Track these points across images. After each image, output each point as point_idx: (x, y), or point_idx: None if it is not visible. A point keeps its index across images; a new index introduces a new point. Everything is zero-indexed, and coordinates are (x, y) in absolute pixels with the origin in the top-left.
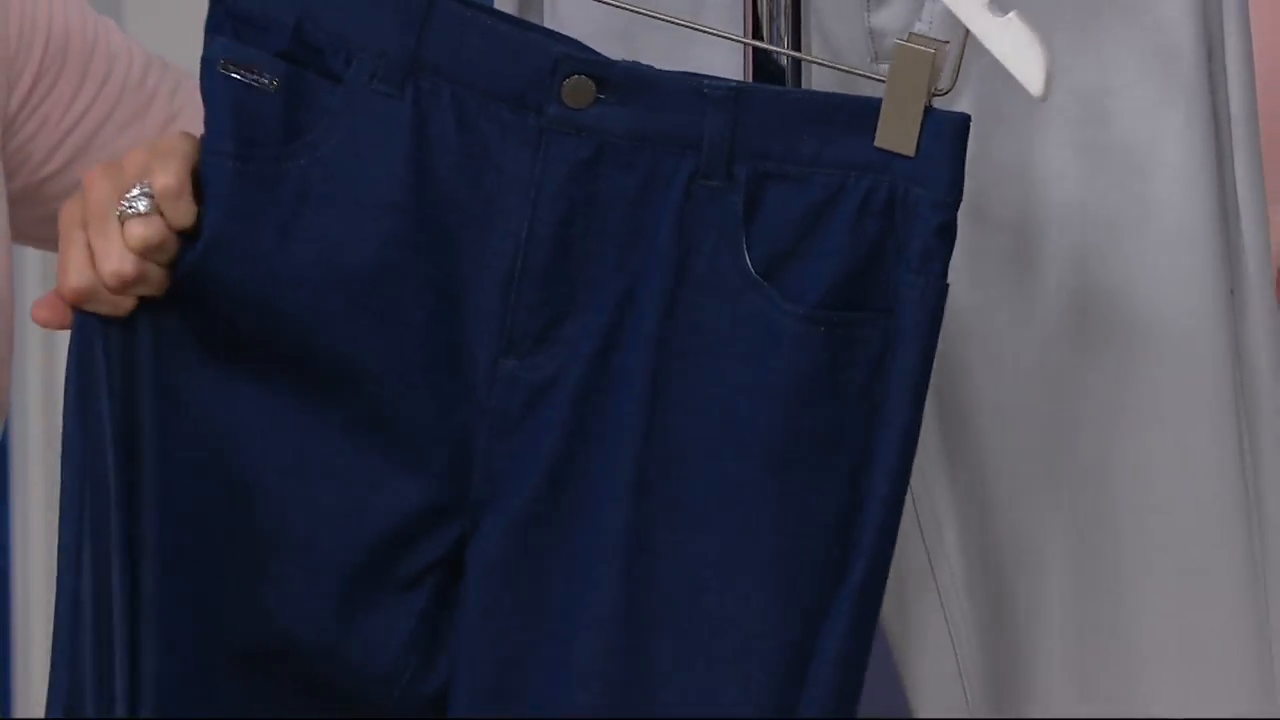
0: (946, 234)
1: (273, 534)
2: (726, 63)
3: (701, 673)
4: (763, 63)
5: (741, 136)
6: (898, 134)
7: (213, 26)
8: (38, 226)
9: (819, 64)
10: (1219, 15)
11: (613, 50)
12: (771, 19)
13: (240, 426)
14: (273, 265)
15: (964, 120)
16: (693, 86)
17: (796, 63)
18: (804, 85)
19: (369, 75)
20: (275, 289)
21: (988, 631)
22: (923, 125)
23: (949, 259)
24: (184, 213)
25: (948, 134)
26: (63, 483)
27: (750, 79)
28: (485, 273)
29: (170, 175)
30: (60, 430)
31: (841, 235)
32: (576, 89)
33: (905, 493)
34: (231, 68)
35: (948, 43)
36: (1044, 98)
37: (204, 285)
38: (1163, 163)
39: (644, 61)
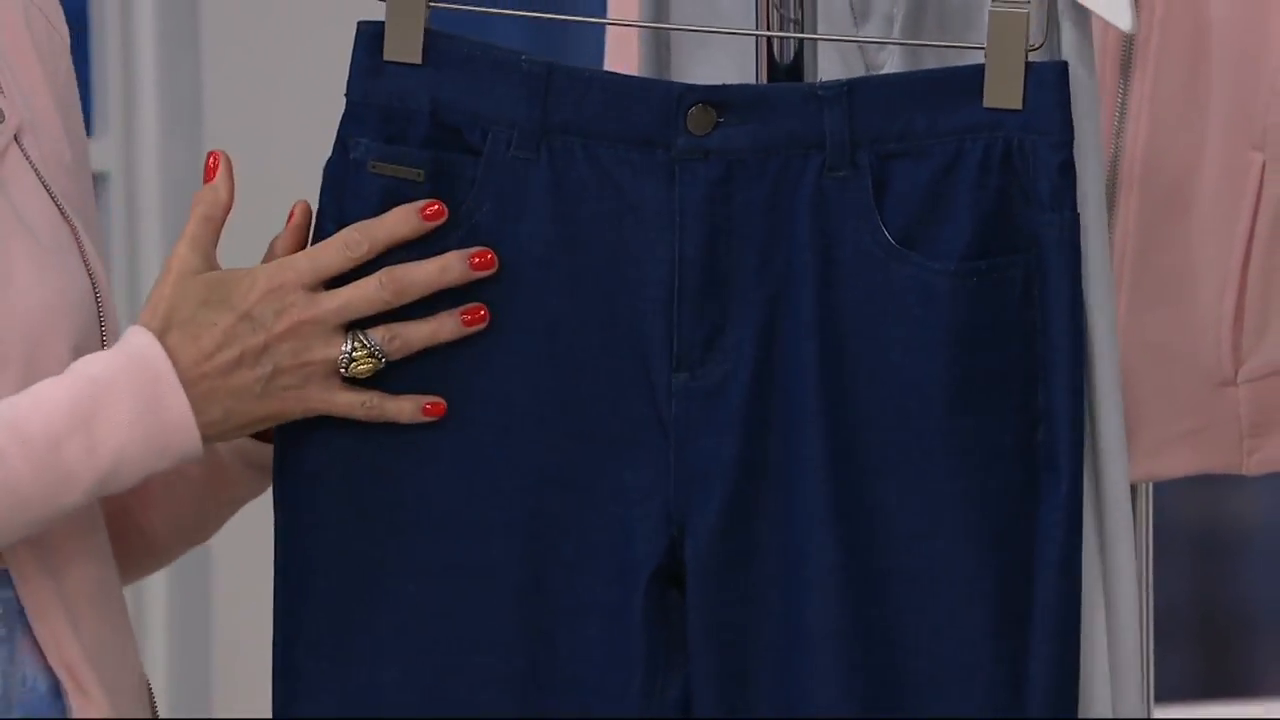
0: (1068, 170)
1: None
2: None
3: (931, 620)
4: (773, 52)
5: (860, 126)
6: (1004, 92)
7: (354, 128)
8: None
9: (833, 40)
10: None
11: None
12: (783, 4)
13: (440, 483)
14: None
15: (1063, 67)
16: (806, 92)
17: (801, 43)
18: (813, 67)
19: (505, 145)
20: (446, 357)
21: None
22: (1026, 79)
23: (1075, 192)
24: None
25: (1051, 82)
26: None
27: (765, 67)
28: (645, 303)
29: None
30: None
31: (969, 193)
32: (699, 118)
33: (1084, 410)
34: (381, 166)
35: (1029, 2)
36: (1133, 31)
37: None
38: None
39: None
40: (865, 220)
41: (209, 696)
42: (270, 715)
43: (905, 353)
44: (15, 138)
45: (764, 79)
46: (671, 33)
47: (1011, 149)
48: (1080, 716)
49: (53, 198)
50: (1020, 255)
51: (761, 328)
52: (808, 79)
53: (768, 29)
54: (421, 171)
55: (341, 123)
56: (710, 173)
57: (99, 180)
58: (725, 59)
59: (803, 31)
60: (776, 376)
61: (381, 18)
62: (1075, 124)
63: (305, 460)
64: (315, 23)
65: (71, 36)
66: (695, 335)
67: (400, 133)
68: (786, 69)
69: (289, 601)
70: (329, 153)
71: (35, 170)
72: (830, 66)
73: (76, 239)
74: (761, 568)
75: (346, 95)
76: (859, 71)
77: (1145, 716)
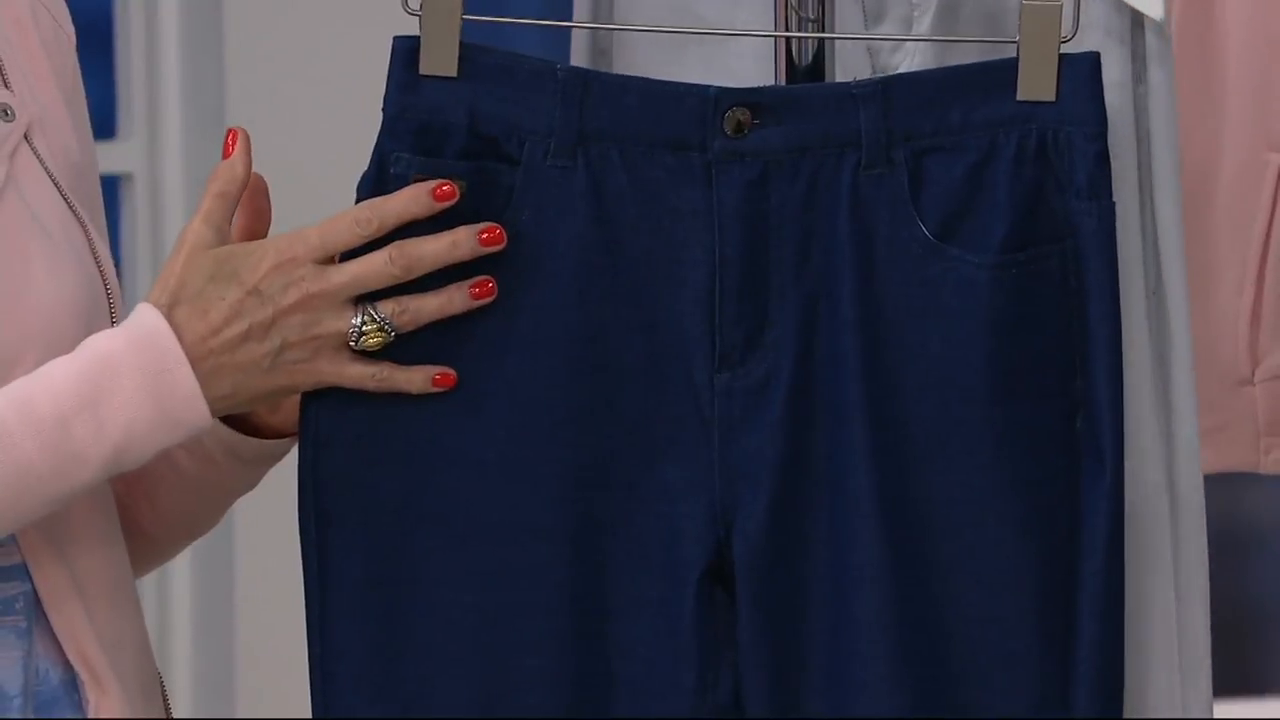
0: (1104, 160)
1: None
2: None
3: (978, 609)
4: (792, 54)
5: (895, 123)
6: (1037, 84)
7: (392, 143)
8: None
9: (852, 39)
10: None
11: (662, 50)
12: (801, 5)
13: (485, 484)
14: (486, 340)
15: (1095, 58)
16: (841, 92)
17: (820, 44)
18: (832, 68)
19: (543, 154)
20: (488, 363)
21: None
22: (1059, 71)
23: (1110, 181)
24: None
25: (1084, 73)
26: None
27: (783, 66)
28: (685, 304)
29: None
30: None
31: (1005, 185)
32: (734, 120)
33: (1123, 396)
34: (422, 180)
35: None
36: (1162, 19)
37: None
38: None
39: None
40: (902, 215)
41: (233, 698)
42: (293, 715)
43: (945, 345)
44: (25, 136)
45: (783, 81)
46: (615, 32)
47: (1046, 140)
48: (1151, 718)
49: (63, 195)
50: (1057, 245)
51: (802, 325)
52: (827, 80)
53: (785, 30)
54: (465, 183)
55: (379, 138)
56: (747, 174)
57: (124, 181)
58: (679, 61)
59: (821, 32)
60: (818, 373)
61: (406, 29)
62: (1149, 118)
63: (342, 472)
64: (338, 25)
65: (96, 39)
66: (736, 334)
67: (438, 146)
68: (806, 70)
69: (326, 610)
70: (351, 153)
71: (45, 167)
72: (839, 70)
73: (87, 236)
74: (809, 563)
75: (383, 110)
76: (866, 75)
77: (1209, 716)
